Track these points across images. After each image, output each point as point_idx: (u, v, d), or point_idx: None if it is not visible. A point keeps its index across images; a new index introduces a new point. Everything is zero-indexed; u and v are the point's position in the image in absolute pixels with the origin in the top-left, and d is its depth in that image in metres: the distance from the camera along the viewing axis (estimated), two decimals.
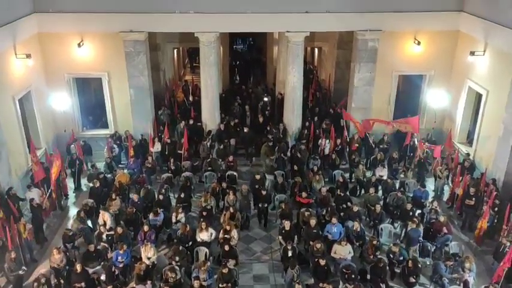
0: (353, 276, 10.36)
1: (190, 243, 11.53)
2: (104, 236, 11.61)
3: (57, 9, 14.44)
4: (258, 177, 13.77)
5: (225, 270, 10.21)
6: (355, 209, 12.47)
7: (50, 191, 13.28)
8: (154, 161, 15.20)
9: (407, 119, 15.17)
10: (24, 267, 10.82)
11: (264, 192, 13.05)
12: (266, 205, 13.19)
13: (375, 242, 11.27)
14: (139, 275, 10.32)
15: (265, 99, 18.91)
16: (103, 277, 10.53)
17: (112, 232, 11.73)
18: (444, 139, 15.94)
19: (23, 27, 13.82)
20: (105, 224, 11.90)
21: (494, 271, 10.83)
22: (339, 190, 13.43)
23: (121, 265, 10.74)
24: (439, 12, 14.96)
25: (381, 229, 12.38)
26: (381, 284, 10.39)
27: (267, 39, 22.90)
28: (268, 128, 16.77)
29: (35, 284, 9.86)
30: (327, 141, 15.70)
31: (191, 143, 16.14)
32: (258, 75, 23.70)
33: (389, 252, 11.14)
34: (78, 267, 10.24)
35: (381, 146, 15.65)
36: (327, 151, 15.66)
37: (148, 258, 10.87)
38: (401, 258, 10.99)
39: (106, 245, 11.44)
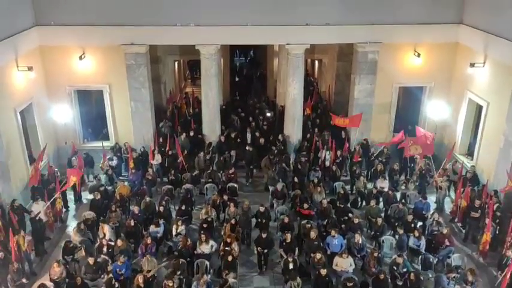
0: None
1: (189, 258, 11.41)
2: (105, 249, 11.54)
3: (59, 22, 14.57)
4: (262, 209, 12.80)
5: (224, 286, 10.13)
6: (356, 221, 12.42)
7: (53, 199, 13.22)
8: (154, 173, 15.18)
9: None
10: (24, 280, 10.77)
11: (264, 235, 11.71)
12: (266, 250, 11.85)
13: (376, 254, 11.20)
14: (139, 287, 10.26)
15: (268, 114, 18.76)
16: None
17: (112, 243, 11.68)
18: (445, 151, 15.94)
19: (24, 40, 13.94)
20: (105, 236, 11.84)
21: (498, 284, 10.78)
22: (339, 202, 13.39)
23: (121, 278, 10.66)
24: (438, 25, 15.05)
25: (382, 241, 12.31)
26: None
27: (267, 51, 23.02)
28: (271, 138, 16.76)
29: None
30: (328, 152, 15.70)
31: (191, 155, 16.15)
32: (259, 91, 23.71)
33: (393, 264, 11.06)
34: (78, 280, 10.17)
35: (380, 159, 15.61)
36: (327, 163, 15.65)
37: (149, 271, 10.79)
38: (405, 270, 10.90)
39: (106, 257, 11.36)
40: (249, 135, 17.22)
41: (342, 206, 13.23)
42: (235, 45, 25.18)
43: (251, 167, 16.09)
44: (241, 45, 26.47)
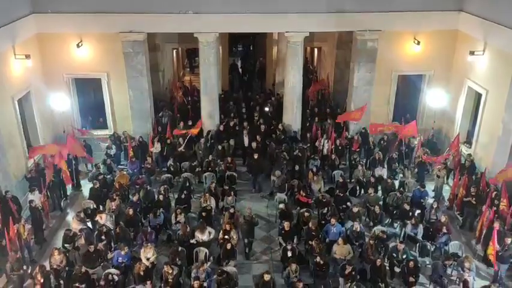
0: (353, 273, 10.35)
1: (190, 241, 11.50)
2: (104, 237, 11.59)
3: (56, 9, 14.43)
4: (267, 277, 10.21)
5: (221, 276, 10.18)
6: (355, 209, 12.46)
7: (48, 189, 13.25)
8: (153, 162, 15.19)
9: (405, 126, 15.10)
10: (24, 267, 10.83)
11: None
12: None
13: (372, 242, 11.25)
14: (139, 275, 10.32)
15: (266, 109, 18.08)
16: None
17: (112, 232, 11.74)
18: (444, 139, 15.93)
19: (21, 27, 13.81)
20: (103, 225, 11.88)
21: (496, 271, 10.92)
22: (338, 191, 13.43)
23: (122, 265, 10.74)
24: (438, 12, 14.95)
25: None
26: (380, 284, 10.37)
27: (266, 40, 22.86)
28: (272, 127, 16.66)
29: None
30: (325, 141, 15.68)
31: (190, 144, 16.13)
32: (258, 87, 23.10)
33: (393, 250, 11.14)
34: (82, 269, 10.27)
35: (378, 148, 15.62)
36: (325, 151, 15.64)
37: (148, 259, 10.86)
38: (404, 256, 11.00)
39: (102, 244, 11.41)
40: (245, 138, 16.12)
41: (341, 194, 13.26)
42: (235, 37, 24.98)
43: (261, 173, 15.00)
44: (241, 36, 26.26)
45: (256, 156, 14.73)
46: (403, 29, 15.35)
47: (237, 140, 16.46)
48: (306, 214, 12.41)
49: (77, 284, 10.14)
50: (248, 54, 28.31)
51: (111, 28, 14.84)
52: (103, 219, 12.08)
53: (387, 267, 10.91)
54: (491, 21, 13.38)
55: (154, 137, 15.89)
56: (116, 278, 10.37)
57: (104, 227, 11.73)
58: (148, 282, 10.23)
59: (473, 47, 14.27)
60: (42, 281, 10.00)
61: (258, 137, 15.76)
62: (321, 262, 10.53)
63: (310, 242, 11.35)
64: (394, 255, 11.04)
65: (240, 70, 25.71)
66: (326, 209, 12.63)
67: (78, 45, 14.94)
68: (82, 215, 12.26)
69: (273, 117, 17.51)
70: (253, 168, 14.91)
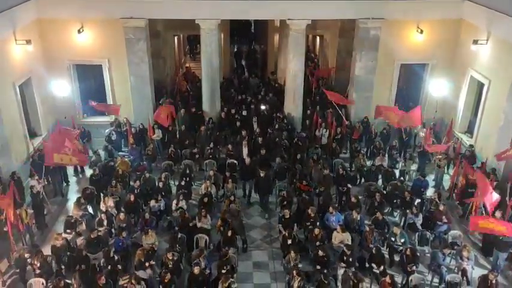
0: (351, 260, 10.43)
1: (190, 224, 11.58)
2: (105, 223, 11.65)
3: None
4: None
5: (223, 258, 10.29)
6: (353, 199, 12.47)
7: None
8: (154, 149, 15.20)
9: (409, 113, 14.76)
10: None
11: None
12: None
13: (370, 229, 11.28)
14: (140, 261, 10.39)
15: (262, 107, 17.27)
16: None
17: (113, 218, 11.81)
18: (445, 129, 15.89)
19: (23, 12, 13.74)
20: (107, 211, 11.94)
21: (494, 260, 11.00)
22: (338, 180, 13.43)
23: (124, 246, 10.86)
24: (442, 0, 14.83)
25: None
26: (376, 270, 10.45)
27: (268, 27, 22.73)
28: (275, 115, 16.58)
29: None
30: (325, 130, 15.67)
31: (191, 131, 16.13)
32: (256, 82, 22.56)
33: (391, 235, 11.22)
34: (83, 253, 10.39)
35: (379, 137, 15.65)
36: (324, 140, 15.64)
37: (149, 245, 10.93)
38: (403, 240, 11.09)
39: (104, 230, 11.48)
40: (245, 149, 14.77)
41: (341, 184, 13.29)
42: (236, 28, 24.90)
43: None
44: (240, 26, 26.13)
45: (262, 174, 13.09)
46: (407, 18, 15.24)
47: (236, 154, 14.63)
48: (306, 198, 12.43)
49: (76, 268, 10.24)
50: (244, 45, 27.78)
51: (112, 14, 14.77)
52: (109, 203, 12.13)
53: (386, 255, 10.99)
54: (496, 10, 13.27)
55: (155, 124, 15.87)
56: (116, 257, 10.45)
57: (107, 213, 11.78)
58: (149, 268, 10.32)
59: (476, 36, 14.18)
60: (38, 265, 10.11)
61: (261, 150, 14.31)
62: (321, 254, 10.57)
63: (307, 224, 11.44)
64: (393, 239, 11.13)
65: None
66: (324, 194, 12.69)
67: (79, 31, 14.87)
68: (82, 200, 12.31)
69: (269, 116, 16.89)
70: (260, 187, 13.33)
